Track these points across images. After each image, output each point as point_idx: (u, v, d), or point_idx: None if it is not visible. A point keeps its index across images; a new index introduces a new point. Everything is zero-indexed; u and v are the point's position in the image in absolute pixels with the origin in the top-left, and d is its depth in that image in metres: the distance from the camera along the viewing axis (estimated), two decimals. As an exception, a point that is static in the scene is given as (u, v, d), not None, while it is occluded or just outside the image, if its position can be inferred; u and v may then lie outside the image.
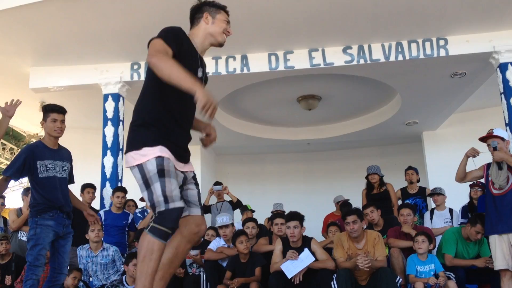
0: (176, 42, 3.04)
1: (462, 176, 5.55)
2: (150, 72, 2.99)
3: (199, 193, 3.12)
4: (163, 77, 2.73)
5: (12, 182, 4.97)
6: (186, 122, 3.12)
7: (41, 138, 4.81)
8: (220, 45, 3.44)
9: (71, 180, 4.92)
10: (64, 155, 4.80)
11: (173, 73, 2.69)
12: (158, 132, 2.89)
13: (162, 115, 2.94)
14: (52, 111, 4.67)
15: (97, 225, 6.28)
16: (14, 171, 4.54)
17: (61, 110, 4.72)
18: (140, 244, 2.79)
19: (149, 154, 2.82)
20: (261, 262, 5.85)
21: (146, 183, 2.88)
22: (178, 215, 2.82)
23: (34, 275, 4.40)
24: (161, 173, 2.80)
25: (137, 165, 2.89)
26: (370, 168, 8.01)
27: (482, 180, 6.13)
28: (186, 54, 3.09)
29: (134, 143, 2.90)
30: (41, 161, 4.56)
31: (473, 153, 5.39)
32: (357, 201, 8.30)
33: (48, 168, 4.58)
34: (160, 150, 2.82)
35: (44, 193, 4.53)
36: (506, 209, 5.03)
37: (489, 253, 5.63)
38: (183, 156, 3.04)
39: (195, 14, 3.35)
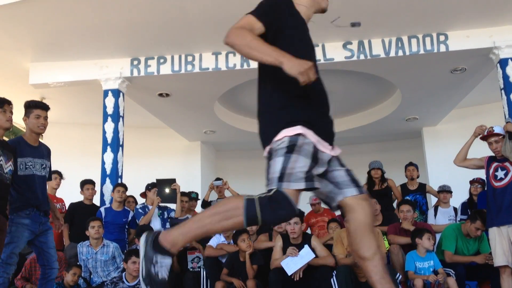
0: (272, 15, 2.58)
1: (462, 158, 5.51)
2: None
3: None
4: (244, 55, 2.48)
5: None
6: None
7: (23, 135, 4.74)
8: (323, 11, 2.98)
9: (48, 177, 4.88)
10: (44, 153, 4.75)
11: (252, 48, 2.42)
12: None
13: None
14: (36, 107, 4.62)
15: (97, 221, 6.31)
16: None
17: (45, 107, 4.68)
18: (227, 200, 2.40)
19: None
20: (259, 261, 5.84)
21: None
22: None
23: (6, 273, 4.37)
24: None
25: None
26: (373, 163, 8.00)
27: (482, 176, 6.14)
28: (296, 28, 2.66)
29: None
30: (21, 159, 4.50)
31: (481, 131, 5.37)
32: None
33: (27, 166, 4.53)
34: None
35: (22, 191, 4.48)
36: (506, 201, 5.04)
37: (489, 249, 5.64)
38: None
39: None
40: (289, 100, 2.57)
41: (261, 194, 2.35)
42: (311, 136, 2.44)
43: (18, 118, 11.67)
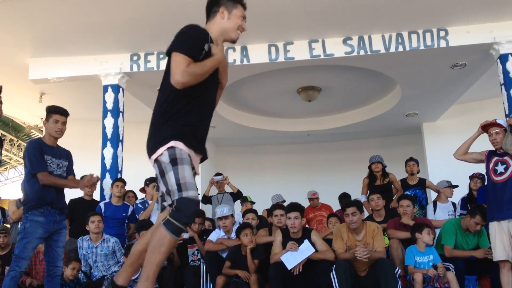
0: (197, 49, 2.97)
1: (463, 153, 5.50)
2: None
3: None
4: (199, 80, 2.93)
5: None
6: None
7: (42, 137, 4.92)
8: (233, 41, 3.29)
9: (70, 172, 5.01)
10: (62, 154, 4.91)
11: (203, 71, 2.92)
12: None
13: None
14: (55, 112, 4.80)
15: (97, 216, 6.33)
16: (40, 163, 4.61)
17: (64, 113, 4.86)
18: (153, 235, 2.82)
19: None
20: (261, 255, 5.85)
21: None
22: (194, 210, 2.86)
23: (18, 267, 4.46)
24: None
25: None
26: (374, 157, 8.01)
27: (482, 171, 6.15)
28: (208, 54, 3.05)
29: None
30: (45, 156, 4.68)
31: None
32: (357, 193, 8.31)
33: (48, 164, 4.69)
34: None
35: (36, 189, 4.59)
36: (506, 195, 5.04)
37: (489, 244, 5.64)
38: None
39: (212, 7, 3.20)
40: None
41: (170, 211, 2.86)
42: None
43: (18, 114, 11.69)
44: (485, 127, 5.33)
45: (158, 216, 3.27)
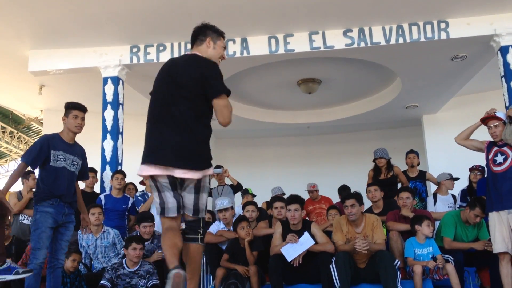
0: None
1: (464, 138, 5.49)
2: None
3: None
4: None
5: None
6: None
7: (60, 132, 4.99)
8: (223, 58, 3.73)
9: (82, 176, 5.15)
10: (77, 151, 5.02)
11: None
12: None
13: None
14: (75, 108, 4.96)
15: (97, 208, 6.34)
16: (31, 158, 4.69)
17: (83, 108, 5.03)
18: (195, 252, 3.33)
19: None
20: (259, 247, 5.87)
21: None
22: None
23: (35, 259, 4.56)
24: None
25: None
26: (377, 151, 7.93)
27: (481, 163, 6.15)
28: None
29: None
30: (54, 151, 4.76)
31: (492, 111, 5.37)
32: (357, 185, 8.31)
33: (59, 159, 4.77)
34: None
35: (47, 182, 4.70)
36: (505, 186, 5.04)
37: (488, 236, 5.65)
38: None
39: (199, 35, 3.59)
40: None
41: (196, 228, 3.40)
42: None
43: (18, 106, 11.67)
44: (484, 120, 5.32)
45: (167, 221, 3.34)
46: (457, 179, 7.59)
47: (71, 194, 4.89)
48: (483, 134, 5.45)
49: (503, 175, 5.07)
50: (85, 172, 5.19)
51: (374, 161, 7.89)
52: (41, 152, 4.70)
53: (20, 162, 4.78)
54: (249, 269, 5.61)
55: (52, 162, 4.72)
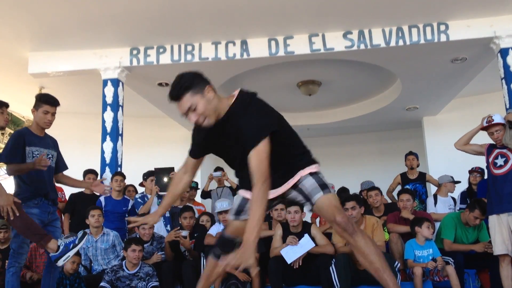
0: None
1: (464, 143, 5.50)
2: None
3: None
4: None
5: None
6: None
7: (29, 126, 4.77)
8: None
9: (63, 166, 4.93)
10: (50, 144, 4.77)
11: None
12: None
13: None
14: (46, 103, 4.63)
15: (97, 210, 6.33)
16: (6, 154, 4.49)
17: (55, 103, 4.68)
18: (368, 241, 3.15)
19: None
20: (260, 249, 5.85)
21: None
22: None
23: (17, 263, 4.43)
24: None
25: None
26: (364, 183, 7.96)
27: (481, 165, 6.14)
28: None
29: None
30: (29, 147, 4.53)
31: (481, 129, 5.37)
32: (357, 187, 8.31)
33: (34, 155, 4.54)
34: None
35: (29, 181, 4.50)
36: (506, 188, 5.03)
37: (488, 238, 5.65)
38: None
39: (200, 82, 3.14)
40: None
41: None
42: None
43: (17, 107, 11.66)
44: (485, 128, 5.31)
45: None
46: (459, 182, 7.57)
47: (54, 191, 4.74)
48: (483, 138, 5.46)
49: (504, 178, 5.06)
50: (62, 162, 4.93)
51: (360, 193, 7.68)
52: (17, 147, 4.48)
53: (7, 165, 4.55)
54: (250, 271, 5.60)
55: (28, 159, 4.49)
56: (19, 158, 4.47)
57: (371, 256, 3.09)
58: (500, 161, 5.13)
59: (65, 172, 4.98)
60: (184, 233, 6.35)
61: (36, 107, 4.65)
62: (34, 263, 6.11)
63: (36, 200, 4.50)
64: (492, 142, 5.33)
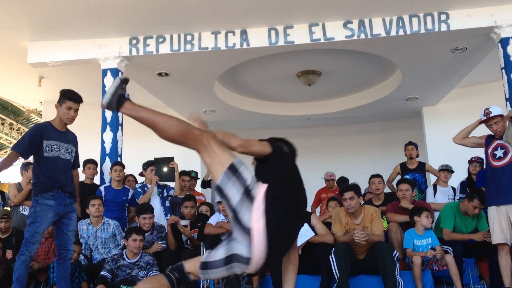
0: None
1: (462, 137, 5.51)
2: None
3: None
4: None
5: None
6: None
7: (51, 120, 4.89)
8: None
9: (75, 164, 5.06)
10: (70, 139, 4.92)
11: None
12: None
13: None
14: (69, 99, 4.78)
15: (97, 199, 6.35)
16: (24, 147, 4.63)
17: (78, 100, 4.84)
18: None
19: None
20: None
21: None
22: None
23: (28, 251, 4.53)
24: None
25: None
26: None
27: (481, 155, 6.15)
28: None
29: None
30: (47, 141, 4.67)
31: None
32: (356, 177, 8.32)
33: (53, 149, 4.69)
34: None
35: (46, 172, 4.63)
36: (505, 180, 5.04)
37: (487, 227, 5.68)
38: None
39: None
40: None
41: None
42: None
43: (17, 97, 11.66)
44: (485, 121, 5.31)
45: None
46: (451, 171, 7.56)
47: (70, 183, 4.85)
48: (482, 130, 5.46)
49: (503, 170, 5.07)
50: (76, 159, 5.07)
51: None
52: (34, 141, 4.61)
53: (11, 151, 4.69)
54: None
55: (46, 153, 4.64)
56: (28, 149, 4.63)
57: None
58: (499, 153, 5.14)
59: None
60: (185, 222, 6.38)
61: (60, 102, 4.80)
62: (35, 252, 6.13)
63: (52, 192, 4.63)
64: (489, 133, 5.33)
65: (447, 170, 7.51)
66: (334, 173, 8.72)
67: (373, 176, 6.95)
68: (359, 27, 7.63)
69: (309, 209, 7.74)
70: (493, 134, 5.32)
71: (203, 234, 6.15)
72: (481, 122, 5.36)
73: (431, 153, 10.64)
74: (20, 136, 18.18)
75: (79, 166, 5.18)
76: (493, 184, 5.19)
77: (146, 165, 7.57)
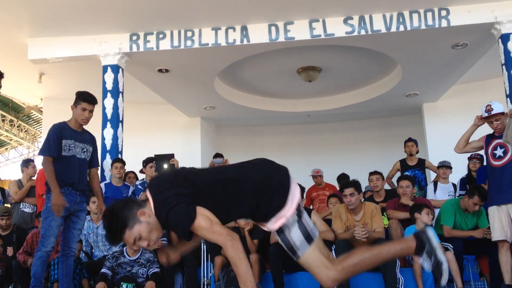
0: None
1: (462, 147, 5.52)
2: None
3: None
4: None
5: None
6: None
7: (67, 121, 4.96)
8: None
9: (94, 163, 5.14)
10: (87, 139, 5.02)
11: None
12: None
13: None
14: (84, 100, 4.89)
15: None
16: (52, 150, 4.70)
17: (92, 101, 4.94)
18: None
19: None
20: (259, 235, 5.89)
21: None
22: None
23: (44, 247, 4.65)
24: None
25: None
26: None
27: (480, 152, 6.15)
28: None
29: None
30: (65, 140, 4.78)
31: (480, 122, 5.36)
32: (357, 173, 8.33)
33: (70, 148, 4.80)
34: None
35: (59, 170, 4.70)
36: (505, 180, 5.04)
37: (487, 224, 5.68)
38: None
39: None
40: None
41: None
42: None
43: (18, 94, 11.65)
44: (485, 118, 5.29)
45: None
46: (449, 167, 7.57)
47: (84, 182, 4.94)
48: (481, 131, 5.45)
49: (503, 169, 5.07)
50: (95, 158, 5.18)
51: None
52: (58, 140, 4.73)
53: (44, 157, 4.73)
54: (251, 258, 5.63)
55: (64, 152, 4.76)
56: (56, 151, 4.72)
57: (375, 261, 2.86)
58: (499, 152, 5.13)
59: None
60: None
61: (75, 104, 4.90)
62: (35, 249, 6.14)
63: (63, 189, 4.69)
64: (488, 132, 5.33)
65: (445, 166, 7.52)
66: (321, 170, 8.73)
67: (371, 173, 6.94)
68: (359, 23, 7.62)
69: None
70: (492, 132, 5.30)
71: None
72: (481, 119, 5.34)
73: (431, 149, 10.63)
74: (20, 133, 18.19)
75: (98, 165, 5.28)
76: (493, 184, 5.19)
77: (146, 162, 7.58)
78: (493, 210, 5.16)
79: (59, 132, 4.78)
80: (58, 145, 4.72)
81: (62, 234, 4.91)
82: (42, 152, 4.81)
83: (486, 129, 5.43)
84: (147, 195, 2.65)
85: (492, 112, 5.20)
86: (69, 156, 4.79)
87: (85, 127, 5.03)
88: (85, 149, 4.95)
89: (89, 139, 5.07)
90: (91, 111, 4.95)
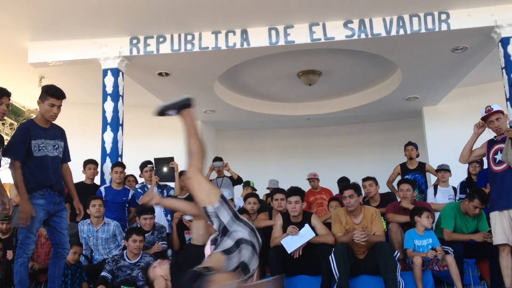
0: None
1: (467, 155, 5.47)
2: None
3: None
4: None
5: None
6: None
7: (34, 117, 4.80)
8: None
9: (66, 158, 4.94)
10: (56, 134, 4.80)
11: None
12: None
13: None
14: (52, 96, 4.66)
15: (98, 200, 6.35)
16: (16, 152, 4.52)
17: (61, 96, 4.71)
18: None
19: None
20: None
21: None
22: None
23: (25, 253, 4.50)
24: None
25: None
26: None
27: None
28: None
29: None
30: (34, 141, 4.57)
31: (480, 129, 5.35)
32: (357, 177, 8.31)
33: (40, 148, 4.59)
34: None
35: (35, 172, 4.55)
36: (507, 185, 5.03)
37: (487, 227, 5.67)
38: None
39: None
40: None
41: None
42: None
43: (17, 97, 11.64)
44: (486, 118, 5.28)
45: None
46: (448, 170, 7.56)
47: (60, 182, 4.77)
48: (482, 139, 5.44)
49: (503, 174, 5.05)
50: (66, 153, 4.95)
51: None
52: (24, 142, 4.51)
53: (12, 161, 4.53)
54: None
55: (35, 153, 4.55)
56: (24, 153, 4.52)
57: None
58: (499, 157, 5.12)
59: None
60: (188, 217, 6.37)
61: (42, 99, 4.69)
62: (35, 253, 6.14)
63: (41, 191, 4.56)
64: (489, 138, 5.32)
65: (443, 169, 7.52)
66: (318, 174, 8.72)
67: (364, 180, 6.87)
68: (359, 26, 7.63)
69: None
70: (493, 134, 5.30)
71: None
72: (482, 118, 5.34)
73: (431, 153, 10.63)
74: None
75: (69, 160, 5.01)
76: (494, 189, 5.18)
77: (142, 166, 7.57)
78: (494, 215, 5.15)
79: (27, 132, 4.56)
80: (25, 147, 4.50)
81: (52, 238, 4.78)
82: (8, 154, 4.57)
83: (487, 137, 5.41)
84: None
85: (492, 111, 5.20)
86: (41, 156, 4.58)
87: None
88: (56, 146, 4.73)
89: (59, 133, 4.84)
90: (59, 107, 4.71)
